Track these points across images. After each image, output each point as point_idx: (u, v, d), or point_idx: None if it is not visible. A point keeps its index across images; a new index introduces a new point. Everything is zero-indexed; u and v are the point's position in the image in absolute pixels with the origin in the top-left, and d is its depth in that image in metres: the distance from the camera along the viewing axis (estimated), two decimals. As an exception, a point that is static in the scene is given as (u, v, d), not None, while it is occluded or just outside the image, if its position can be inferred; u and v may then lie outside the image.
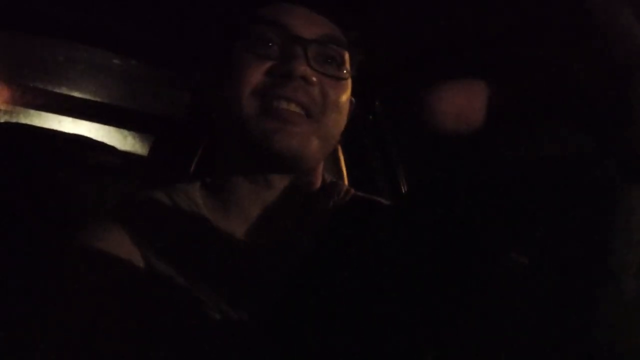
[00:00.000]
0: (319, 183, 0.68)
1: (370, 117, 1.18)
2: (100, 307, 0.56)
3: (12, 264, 0.95)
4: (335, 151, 1.15)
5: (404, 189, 1.17)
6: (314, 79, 0.59)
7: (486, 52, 0.90)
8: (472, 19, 0.80)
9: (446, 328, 0.44)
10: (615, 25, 0.31)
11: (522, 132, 0.41)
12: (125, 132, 1.69)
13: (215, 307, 0.55)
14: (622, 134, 0.34)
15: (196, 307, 0.56)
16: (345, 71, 0.63)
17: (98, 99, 1.64)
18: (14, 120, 1.63)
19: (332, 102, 0.61)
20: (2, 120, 1.60)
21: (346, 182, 1.20)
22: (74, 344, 0.54)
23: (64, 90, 1.62)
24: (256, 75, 0.59)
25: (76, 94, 1.63)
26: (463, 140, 0.45)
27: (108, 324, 0.56)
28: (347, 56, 0.64)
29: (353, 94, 0.68)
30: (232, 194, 0.64)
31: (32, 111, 1.64)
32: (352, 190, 0.71)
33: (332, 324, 0.46)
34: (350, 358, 0.43)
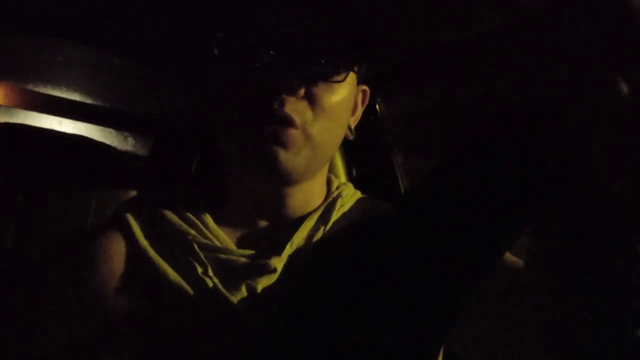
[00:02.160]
0: (324, 186, 0.68)
1: (370, 117, 1.18)
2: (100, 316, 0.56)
3: (10, 264, 0.95)
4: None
5: (403, 189, 1.17)
6: (304, 90, 0.56)
7: (485, 53, 0.91)
8: (472, 19, 0.80)
9: (448, 329, 0.44)
10: None
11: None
12: (126, 133, 1.68)
13: (222, 315, 0.55)
14: None
15: (200, 312, 0.56)
16: (338, 71, 0.59)
17: (98, 101, 1.64)
18: (13, 121, 1.63)
19: (326, 108, 0.58)
20: (1, 122, 1.59)
21: (343, 180, 1.19)
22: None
23: (64, 92, 1.62)
24: (243, 92, 0.56)
25: (76, 95, 1.63)
26: (462, 142, 0.45)
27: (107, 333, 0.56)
28: (341, 55, 0.60)
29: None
30: (236, 203, 0.64)
31: (32, 113, 1.64)
32: (359, 193, 0.70)
33: (335, 329, 0.45)
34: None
